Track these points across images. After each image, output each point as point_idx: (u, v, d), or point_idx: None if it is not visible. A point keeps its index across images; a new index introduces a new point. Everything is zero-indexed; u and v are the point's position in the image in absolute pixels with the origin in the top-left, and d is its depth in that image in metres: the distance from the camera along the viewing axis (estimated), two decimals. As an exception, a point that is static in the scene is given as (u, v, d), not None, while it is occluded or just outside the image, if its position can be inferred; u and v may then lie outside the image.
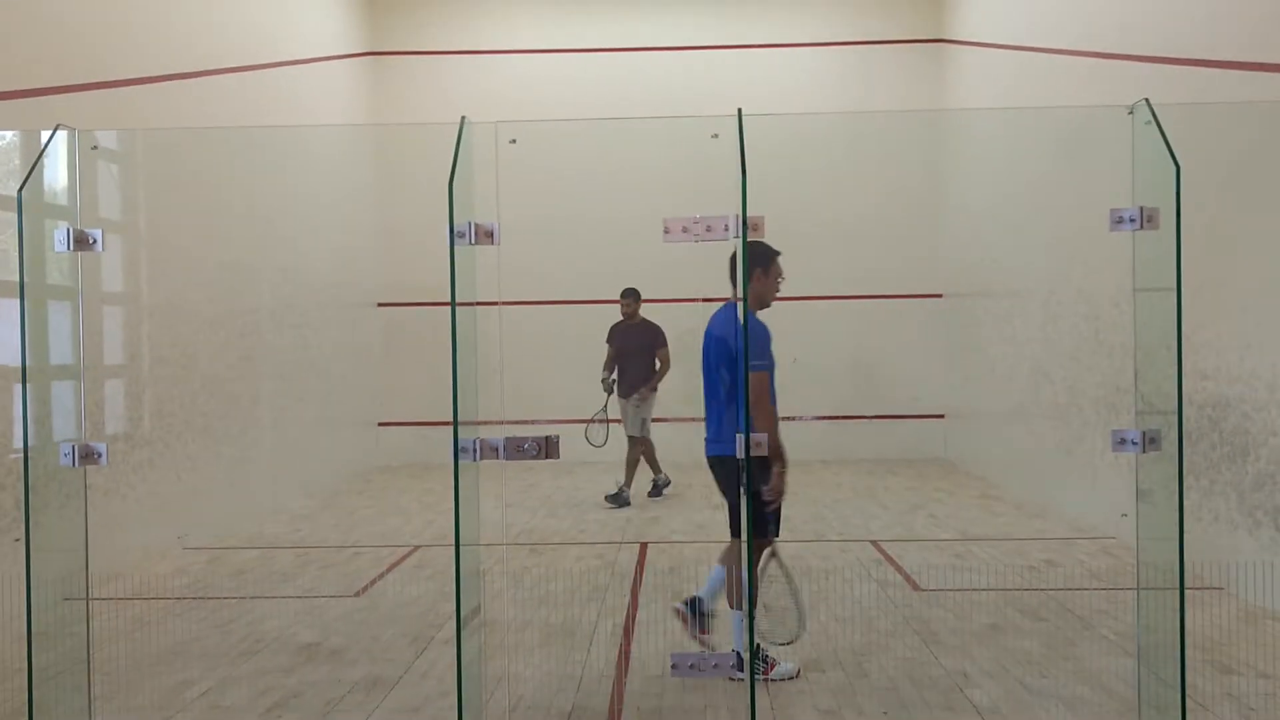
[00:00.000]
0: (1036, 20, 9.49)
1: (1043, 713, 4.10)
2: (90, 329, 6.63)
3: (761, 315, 4.56)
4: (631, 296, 9.32)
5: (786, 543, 7.30)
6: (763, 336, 4.44)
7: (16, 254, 3.87)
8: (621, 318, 9.38)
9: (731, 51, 12.63)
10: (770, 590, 4.54)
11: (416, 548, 7.39)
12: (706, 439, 4.65)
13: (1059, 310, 8.65)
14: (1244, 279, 5.81)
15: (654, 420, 9.38)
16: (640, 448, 9.35)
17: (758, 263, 4.48)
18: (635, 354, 9.29)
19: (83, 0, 6.73)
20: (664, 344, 9.32)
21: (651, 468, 9.47)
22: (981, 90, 11.19)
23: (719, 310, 4.68)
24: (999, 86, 10.57)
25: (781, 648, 4.56)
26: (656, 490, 9.47)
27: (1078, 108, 7.96)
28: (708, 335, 4.66)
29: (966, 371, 11.32)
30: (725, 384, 4.49)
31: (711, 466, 4.65)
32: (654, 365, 9.30)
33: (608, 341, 9.46)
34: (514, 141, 4.18)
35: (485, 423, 3.83)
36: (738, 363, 4.25)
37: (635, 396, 9.22)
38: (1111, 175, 4.18)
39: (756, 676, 4.45)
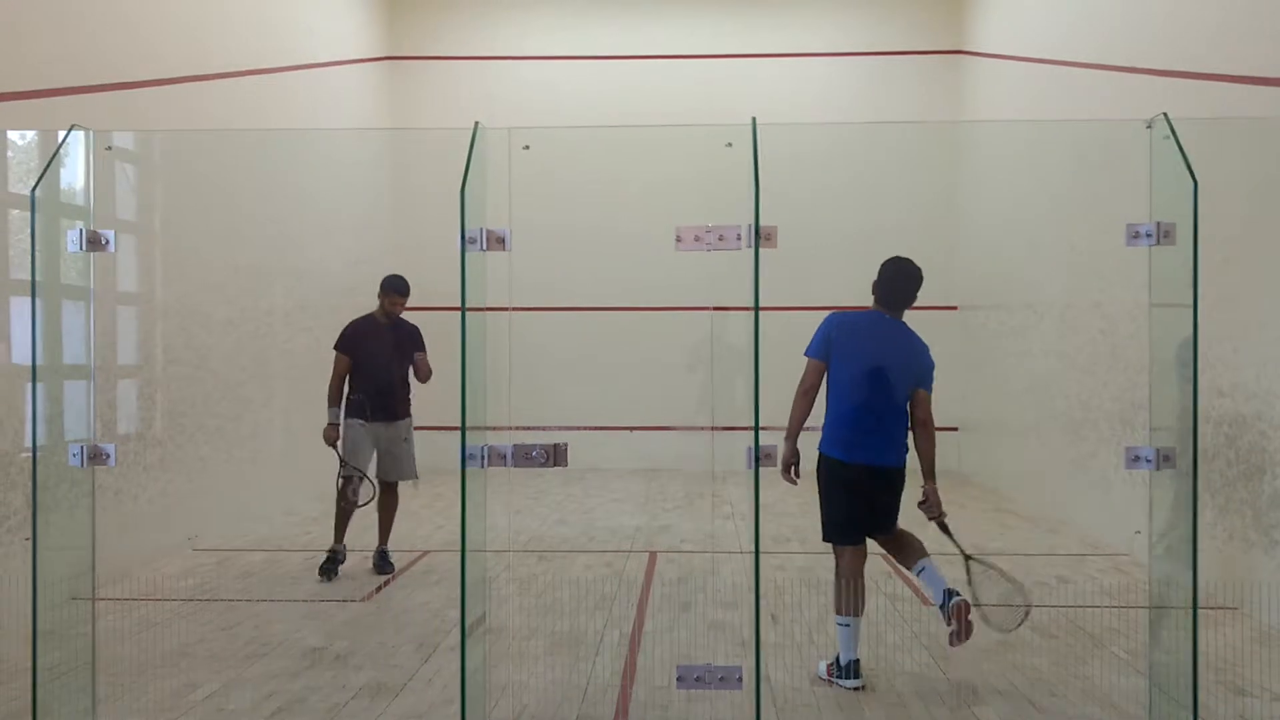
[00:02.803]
0: (1054, 33, 9.45)
1: (1052, 731, 4.06)
2: (104, 329, 6.66)
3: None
4: (402, 293, 7.02)
5: (797, 554, 7.30)
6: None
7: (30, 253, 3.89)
8: (383, 316, 7.00)
9: (747, 60, 12.62)
10: (985, 586, 4.62)
11: (425, 553, 7.38)
12: (882, 447, 4.81)
13: (1075, 324, 8.60)
14: (1261, 295, 5.76)
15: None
16: (393, 499, 6.95)
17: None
18: (390, 362, 6.87)
19: (101, 2, 6.78)
20: (423, 348, 6.97)
21: (338, 531, 6.73)
22: (998, 102, 11.15)
23: (890, 323, 4.85)
24: (1016, 99, 10.53)
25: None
26: (333, 565, 6.63)
27: (1095, 121, 7.92)
28: (875, 344, 4.79)
29: (980, 384, 11.25)
30: (902, 398, 4.84)
31: (895, 475, 4.82)
32: (408, 377, 6.97)
33: (342, 349, 6.88)
34: (527, 148, 4.19)
35: (494, 428, 3.82)
36: (925, 382, 4.85)
37: (408, 422, 7.02)
38: (1128, 189, 4.14)
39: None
